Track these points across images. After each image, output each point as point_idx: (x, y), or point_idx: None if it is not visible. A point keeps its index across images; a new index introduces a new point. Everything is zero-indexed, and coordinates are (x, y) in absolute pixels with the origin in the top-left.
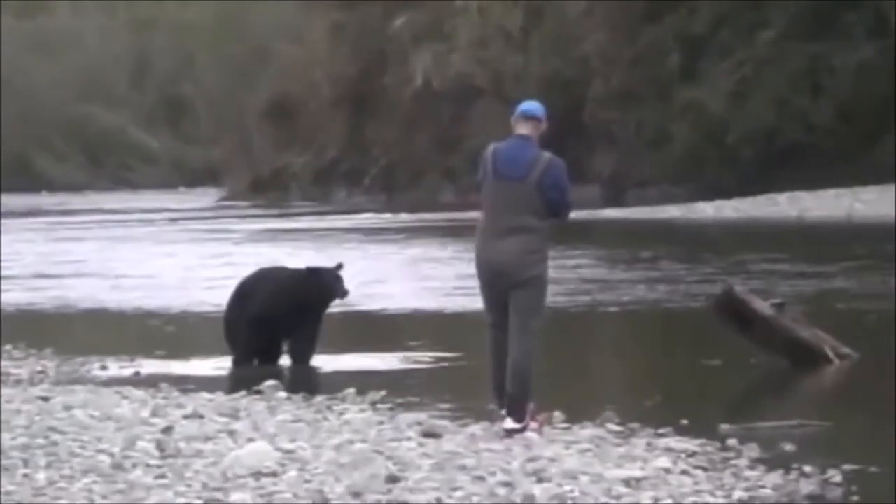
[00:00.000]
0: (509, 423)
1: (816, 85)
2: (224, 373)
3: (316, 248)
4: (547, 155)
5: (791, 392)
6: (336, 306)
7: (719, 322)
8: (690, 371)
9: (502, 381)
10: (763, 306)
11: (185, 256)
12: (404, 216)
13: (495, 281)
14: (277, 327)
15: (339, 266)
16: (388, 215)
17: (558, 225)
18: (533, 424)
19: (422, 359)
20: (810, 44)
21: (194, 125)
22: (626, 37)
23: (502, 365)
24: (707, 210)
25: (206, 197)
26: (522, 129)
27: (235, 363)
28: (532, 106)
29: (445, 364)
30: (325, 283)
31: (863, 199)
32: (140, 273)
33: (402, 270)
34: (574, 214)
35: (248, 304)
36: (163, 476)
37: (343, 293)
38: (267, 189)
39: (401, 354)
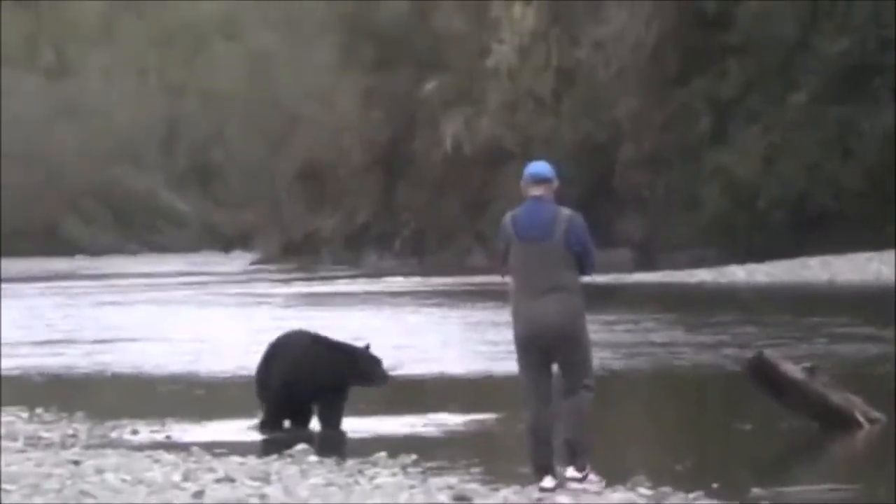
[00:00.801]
0: (571, 472)
1: (846, 149)
2: (256, 437)
3: (354, 311)
4: (566, 211)
5: (822, 456)
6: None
7: (751, 386)
8: (722, 435)
9: (543, 456)
10: (794, 370)
11: (228, 320)
12: (435, 280)
13: (539, 342)
14: (305, 392)
15: (367, 346)
16: (418, 279)
17: (586, 277)
18: (593, 476)
19: (452, 422)
20: (839, 108)
21: (224, 189)
22: (656, 100)
23: (541, 439)
24: (738, 273)
25: (237, 260)
26: (535, 191)
27: (262, 425)
28: (540, 168)
29: (476, 427)
30: (360, 368)
31: (890, 262)
32: (188, 337)
33: (432, 334)
34: (605, 278)
35: (276, 366)
36: None
37: (382, 379)
38: (298, 253)
39: (431, 418)
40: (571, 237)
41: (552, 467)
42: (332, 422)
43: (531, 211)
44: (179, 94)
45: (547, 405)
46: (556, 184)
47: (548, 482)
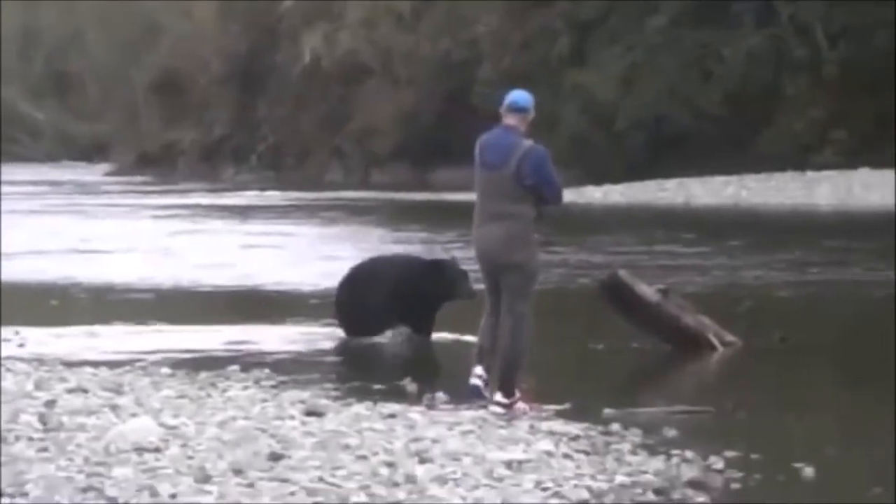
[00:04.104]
0: (498, 396)
1: (706, 72)
2: (107, 348)
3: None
4: (526, 143)
5: (674, 378)
6: (232, 279)
7: (605, 305)
8: (575, 354)
9: (479, 349)
10: (648, 292)
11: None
12: (293, 194)
13: (483, 264)
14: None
15: (454, 259)
16: (275, 193)
17: (553, 210)
18: (521, 405)
19: (306, 337)
20: (700, 31)
21: (82, 99)
22: (516, 20)
23: (482, 340)
24: (595, 194)
25: (91, 172)
26: (509, 119)
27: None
28: (519, 97)
29: (330, 343)
30: (447, 280)
31: (749, 186)
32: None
33: (289, 248)
34: (460, 197)
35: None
36: (45, 450)
37: (469, 294)
38: (154, 164)
39: (283, 332)
40: (525, 168)
41: (483, 362)
42: (423, 329)
43: (496, 138)
44: (36, 1)
45: (493, 316)
46: (531, 115)
47: (477, 370)
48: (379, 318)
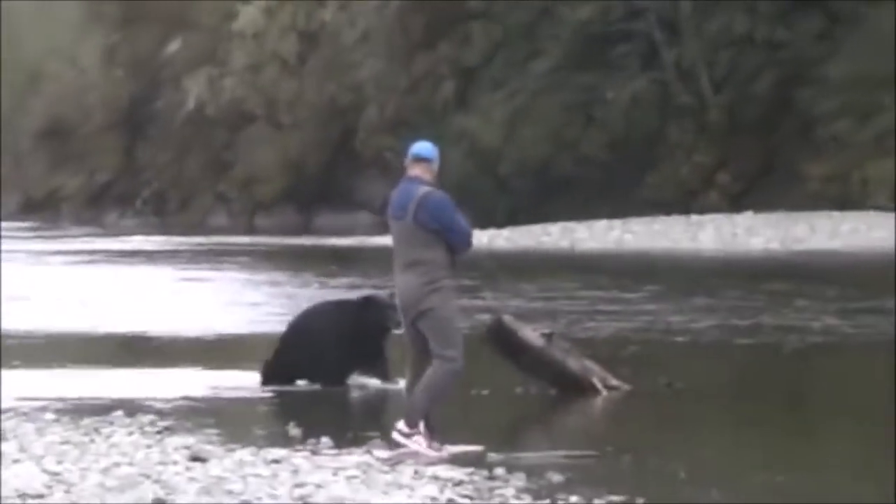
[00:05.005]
0: (401, 425)
1: (590, 116)
2: None
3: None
4: (422, 190)
5: (559, 422)
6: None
7: (492, 350)
8: (459, 400)
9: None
10: (532, 336)
11: None
12: (178, 239)
13: (402, 312)
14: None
15: (392, 295)
16: (160, 238)
17: (461, 255)
18: (418, 440)
19: (188, 382)
20: (584, 75)
21: None
22: (400, 64)
23: (408, 395)
24: (481, 238)
25: None
26: (414, 170)
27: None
28: (422, 148)
29: (215, 389)
30: (382, 310)
31: (634, 230)
32: None
33: (179, 292)
34: (346, 241)
35: (317, 333)
36: None
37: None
38: (39, 210)
39: (167, 377)
40: (422, 216)
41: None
42: (379, 370)
43: (400, 190)
44: None
45: (415, 373)
46: (435, 164)
47: (400, 425)
48: (338, 365)
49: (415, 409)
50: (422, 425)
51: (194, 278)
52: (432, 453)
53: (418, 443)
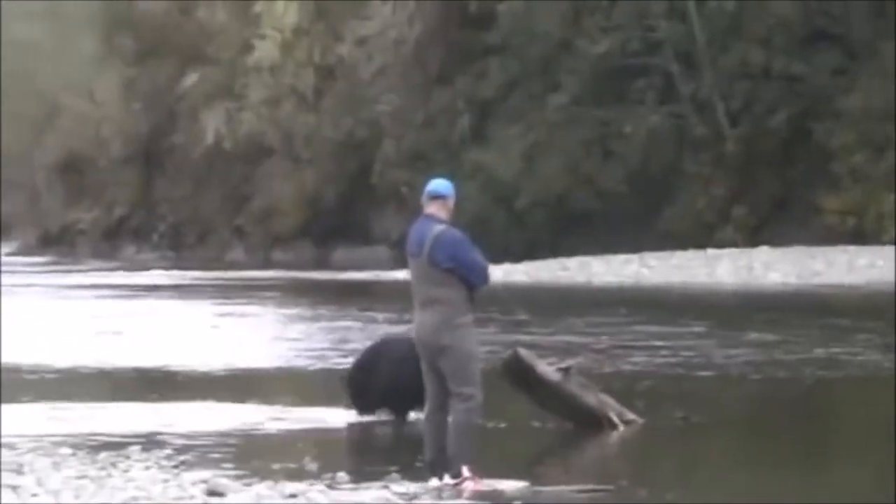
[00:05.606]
0: (447, 479)
1: (607, 150)
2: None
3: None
4: (438, 228)
5: (575, 457)
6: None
7: (508, 385)
8: (478, 433)
9: (428, 451)
10: (549, 371)
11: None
12: (195, 273)
13: (420, 350)
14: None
15: None
16: (178, 272)
17: (479, 292)
18: (469, 483)
19: (208, 417)
20: (601, 109)
21: None
22: (417, 99)
23: (428, 436)
24: (496, 273)
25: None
26: (430, 207)
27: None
28: (438, 185)
29: (231, 423)
30: None
31: (650, 264)
32: None
33: (195, 328)
34: (364, 276)
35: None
36: None
37: None
38: (55, 244)
39: (186, 411)
40: (437, 254)
41: (436, 466)
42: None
43: (417, 227)
44: None
45: (434, 404)
46: (450, 201)
47: (432, 482)
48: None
49: (455, 459)
50: (465, 469)
51: (232, 313)
52: (484, 488)
53: (469, 487)
